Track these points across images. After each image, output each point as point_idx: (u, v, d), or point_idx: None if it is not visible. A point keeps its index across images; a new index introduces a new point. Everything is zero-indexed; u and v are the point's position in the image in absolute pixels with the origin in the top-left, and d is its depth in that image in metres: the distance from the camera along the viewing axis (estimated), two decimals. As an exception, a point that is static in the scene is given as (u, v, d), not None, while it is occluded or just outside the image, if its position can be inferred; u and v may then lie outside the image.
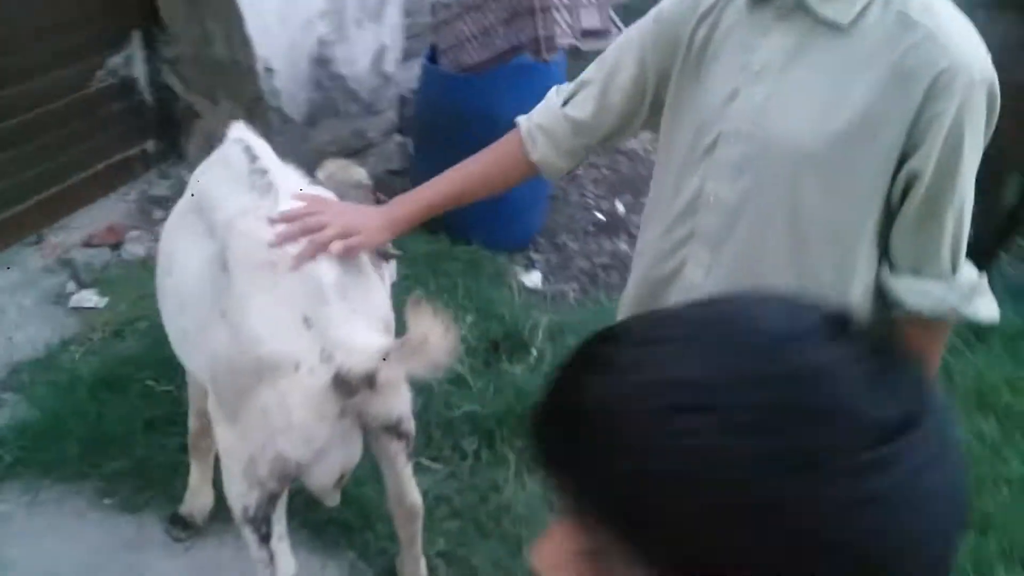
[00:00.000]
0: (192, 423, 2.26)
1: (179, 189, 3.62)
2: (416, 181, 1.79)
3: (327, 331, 1.55)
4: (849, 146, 1.20)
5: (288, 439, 1.62)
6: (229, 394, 1.66)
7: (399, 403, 1.73)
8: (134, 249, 3.40)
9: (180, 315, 1.81)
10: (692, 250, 1.38)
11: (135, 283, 3.21)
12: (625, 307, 1.59)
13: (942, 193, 1.22)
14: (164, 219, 3.53)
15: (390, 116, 4.20)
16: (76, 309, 3.14)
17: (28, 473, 2.51)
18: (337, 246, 1.55)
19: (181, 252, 1.82)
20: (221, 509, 2.39)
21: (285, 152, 1.97)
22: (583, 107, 1.51)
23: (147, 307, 3.06)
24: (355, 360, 1.53)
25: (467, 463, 2.60)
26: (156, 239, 3.43)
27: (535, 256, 3.68)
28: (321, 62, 3.71)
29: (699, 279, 1.37)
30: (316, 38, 3.53)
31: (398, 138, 4.06)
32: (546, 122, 1.56)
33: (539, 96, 3.50)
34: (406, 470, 1.99)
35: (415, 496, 2.04)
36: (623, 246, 3.78)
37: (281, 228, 1.58)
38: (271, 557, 1.81)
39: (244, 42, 3.22)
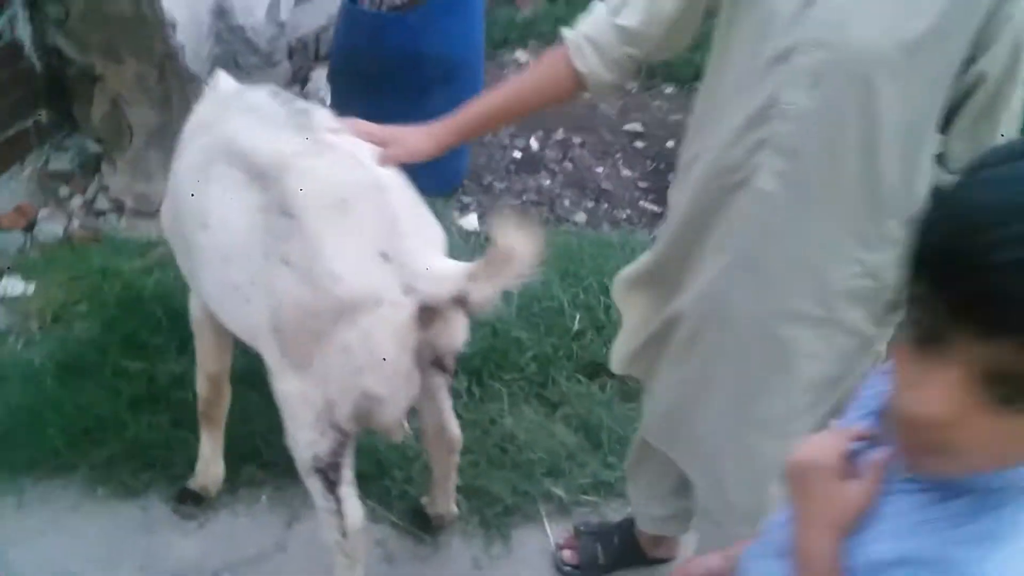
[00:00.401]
0: (203, 389, 2.19)
1: (83, 161, 3.39)
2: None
3: (406, 264, 1.56)
4: (924, 51, 1.28)
5: (374, 376, 1.62)
6: (299, 340, 1.63)
7: (463, 333, 1.75)
8: (50, 229, 3.16)
9: (224, 270, 1.73)
10: (764, 158, 1.41)
11: (61, 265, 3.00)
12: (677, 219, 1.62)
13: (1001, 95, 1.32)
14: (71, 196, 3.35)
15: (286, 66, 4.06)
16: (1, 299, 2.89)
17: (7, 474, 2.33)
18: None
19: (216, 205, 1.74)
20: (230, 479, 2.35)
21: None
22: (632, 16, 1.51)
23: (82, 287, 2.90)
24: (442, 287, 1.54)
25: (462, 401, 2.64)
26: (70, 216, 3.22)
27: (466, 199, 3.71)
28: (220, 13, 3.52)
29: (772, 186, 1.42)
30: (215, -13, 3.35)
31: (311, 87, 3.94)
32: (593, 32, 1.55)
33: (464, 33, 3.47)
34: (447, 402, 2.02)
35: (456, 428, 2.08)
36: (546, 181, 3.88)
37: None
38: (339, 504, 1.81)
39: (150, -6, 3.01)
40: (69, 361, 2.54)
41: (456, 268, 1.56)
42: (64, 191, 3.33)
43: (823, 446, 0.88)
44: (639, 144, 4.14)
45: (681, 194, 1.62)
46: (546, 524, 2.39)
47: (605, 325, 2.82)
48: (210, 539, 2.31)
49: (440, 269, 1.57)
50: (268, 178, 1.65)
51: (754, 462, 1.59)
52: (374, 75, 3.15)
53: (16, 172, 3.35)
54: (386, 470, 2.43)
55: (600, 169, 3.97)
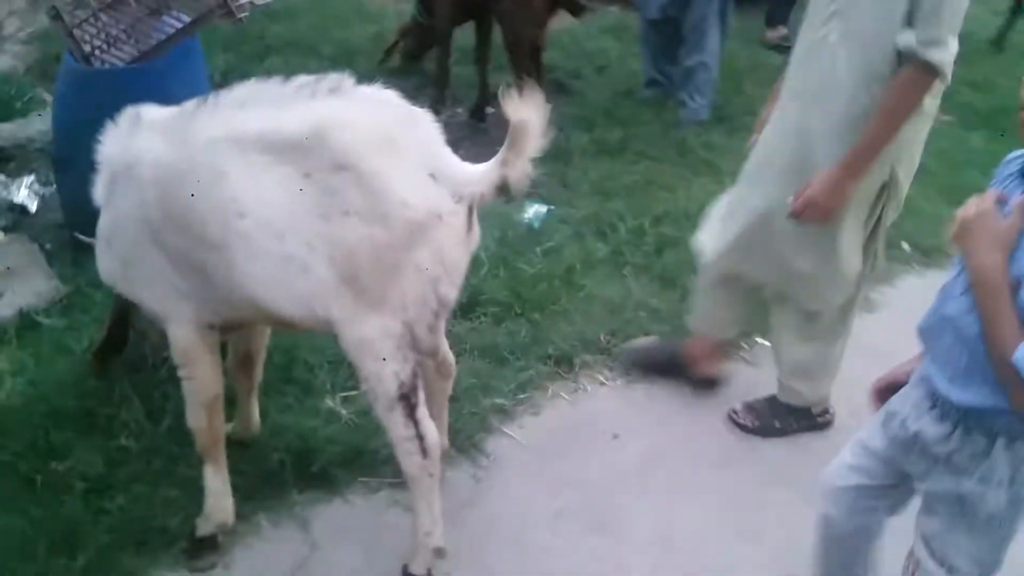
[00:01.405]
0: (201, 420, 2.21)
1: None
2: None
3: (449, 176, 1.84)
4: None
5: (446, 283, 1.89)
6: (375, 279, 1.82)
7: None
8: None
9: (279, 246, 1.83)
10: (834, 25, 2.27)
11: None
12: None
13: None
14: None
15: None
16: None
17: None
18: None
19: (248, 189, 1.83)
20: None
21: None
22: None
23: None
24: (484, 184, 1.84)
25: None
26: None
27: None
28: None
29: (834, 39, 2.28)
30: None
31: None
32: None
33: (199, 75, 3.47)
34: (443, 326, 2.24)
35: (450, 353, 2.34)
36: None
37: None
38: (417, 426, 2.01)
39: None
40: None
41: (487, 165, 1.86)
42: None
43: (979, 202, 1.50)
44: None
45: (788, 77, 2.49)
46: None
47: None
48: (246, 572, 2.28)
49: (475, 171, 1.86)
50: (301, 147, 1.79)
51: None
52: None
53: None
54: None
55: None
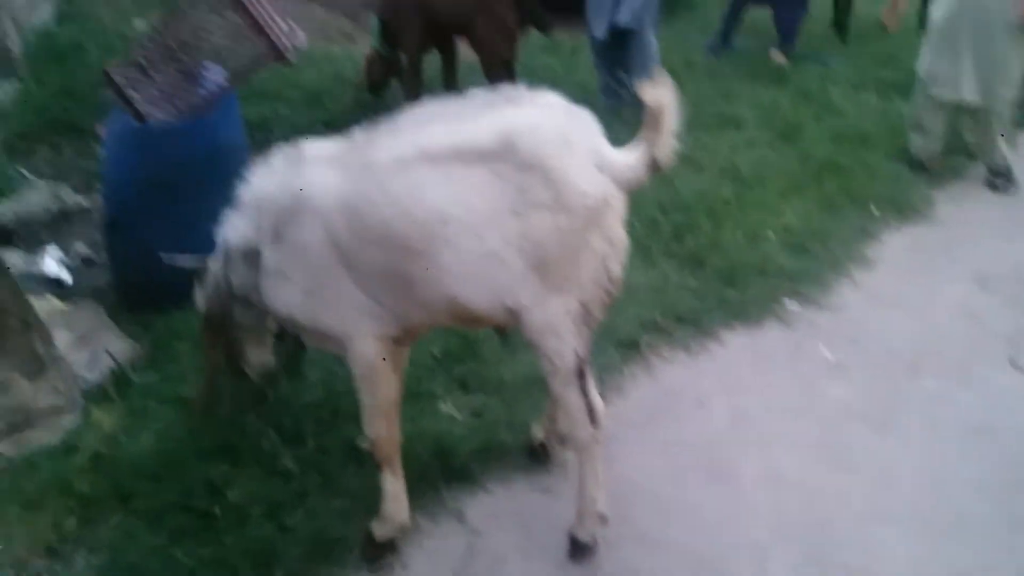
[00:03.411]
0: (380, 429, 2.35)
1: None
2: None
3: (610, 165, 2.08)
4: None
5: (616, 259, 2.14)
6: (560, 264, 2.05)
7: None
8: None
9: (481, 245, 2.02)
10: None
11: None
12: None
13: None
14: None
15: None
16: None
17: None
18: None
19: (447, 197, 2.02)
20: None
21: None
22: None
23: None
24: (638, 168, 2.08)
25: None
26: None
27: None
28: None
29: None
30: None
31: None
32: None
33: (235, 118, 3.57)
34: None
35: None
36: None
37: None
38: (587, 398, 2.25)
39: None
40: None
41: (635, 151, 2.09)
42: None
43: None
44: None
45: None
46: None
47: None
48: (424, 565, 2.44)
49: (630, 158, 2.09)
50: (493, 153, 2.00)
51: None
52: (179, 183, 3.17)
53: None
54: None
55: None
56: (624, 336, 3.31)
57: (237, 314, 2.49)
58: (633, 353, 3.28)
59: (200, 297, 2.58)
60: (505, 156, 2.02)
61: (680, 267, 3.75)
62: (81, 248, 3.90)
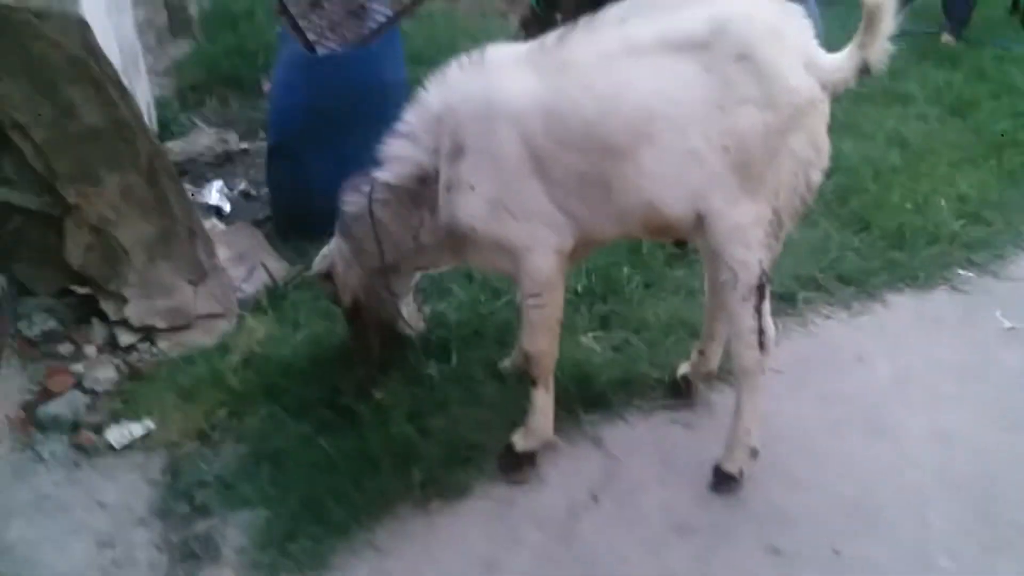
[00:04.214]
0: (544, 344, 2.29)
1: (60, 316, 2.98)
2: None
3: (817, 65, 1.97)
4: None
5: (815, 166, 2.02)
6: (759, 165, 1.96)
7: None
8: (103, 375, 2.77)
9: (683, 142, 1.95)
10: None
11: (153, 396, 2.65)
12: None
13: None
14: (80, 347, 2.93)
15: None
16: (129, 448, 2.51)
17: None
18: None
19: (654, 92, 1.96)
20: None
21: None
22: None
23: (203, 400, 2.62)
24: (846, 71, 1.96)
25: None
26: (122, 357, 2.84)
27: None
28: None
29: None
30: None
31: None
32: None
33: (399, 56, 3.62)
34: None
35: None
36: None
37: None
38: (760, 319, 2.13)
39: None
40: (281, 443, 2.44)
41: (846, 52, 1.97)
42: (66, 348, 2.91)
43: None
44: None
45: None
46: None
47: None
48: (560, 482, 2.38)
49: (838, 59, 1.98)
50: (704, 43, 1.93)
51: None
52: (347, 111, 3.23)
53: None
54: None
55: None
56: (780, 289, 3.13)
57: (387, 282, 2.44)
58: (788, 307, 3.11)
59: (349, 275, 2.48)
60: (716, 45, 1.93)
61: (842, 227, 3.54)
62: (242, 184, 4.08)
